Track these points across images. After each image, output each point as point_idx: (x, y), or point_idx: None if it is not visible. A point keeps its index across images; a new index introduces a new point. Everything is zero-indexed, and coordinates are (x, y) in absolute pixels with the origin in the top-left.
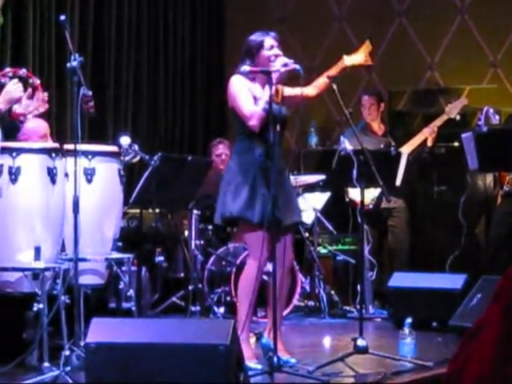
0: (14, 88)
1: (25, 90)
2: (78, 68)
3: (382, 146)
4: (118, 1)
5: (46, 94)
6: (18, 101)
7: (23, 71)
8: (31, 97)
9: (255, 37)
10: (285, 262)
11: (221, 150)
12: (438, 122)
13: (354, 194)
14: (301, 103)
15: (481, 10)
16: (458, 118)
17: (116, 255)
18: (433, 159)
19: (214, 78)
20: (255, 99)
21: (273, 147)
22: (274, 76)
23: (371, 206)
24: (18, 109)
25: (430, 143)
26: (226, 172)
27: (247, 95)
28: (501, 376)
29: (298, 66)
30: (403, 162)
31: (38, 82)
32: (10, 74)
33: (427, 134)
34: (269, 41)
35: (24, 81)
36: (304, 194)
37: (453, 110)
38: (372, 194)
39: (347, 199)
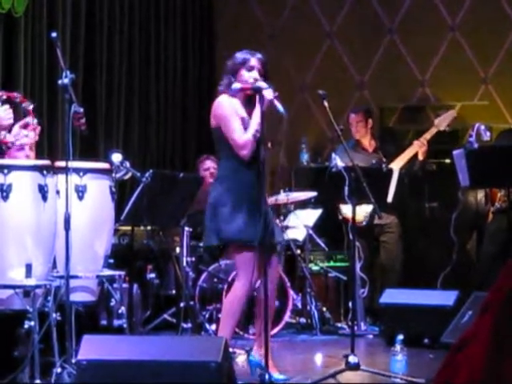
0: (4, 114)
1: (16, 113)
2: (69, 85)
3: (373, 162)
4: (110, 17)
5: (39, 128)
6: (7, 127)
7: (17, 96)
8: (25, 127)
9: (241, 54)
10: (272, 280)
11: (208, 165)
12: (427, 135)
13: (347, 210)
14: None
15: (472, 26)
16: (447, 129)
17: (107, 272)
18: (424, 176)
19: (206, 94)
20: (243, 121)
21: (262, 165)
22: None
23: (364, 223)
24: (6, 136)
25: (421, 157)
26: (211, 195)
27: (238, 121)
28: None
29: (282, 110)
30: (395, 178)
31: (31, 107)
32: (4, 98)
33: (417, 148)
34: (252, 61)
35: (16, 105)
36: (296, 210)
37: (442, 123)
38: (365, 210)
39: (340, 216)
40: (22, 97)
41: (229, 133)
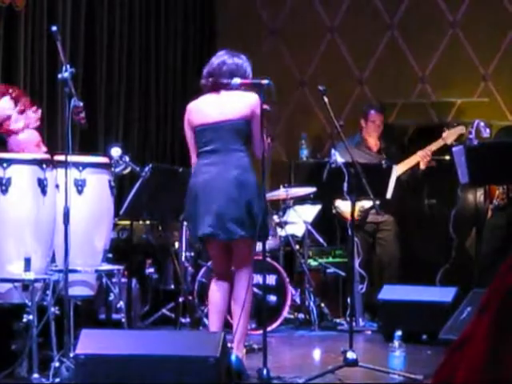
0: (4, 105)
1: (15, 105)
2: (69, 79)
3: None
4: (110, 12)
5: (39, 112)
6: (8, 118)
7: (16, 92)
8: (22, 112)
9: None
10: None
11: None
12: (433, 147)
13: (341, 205)
14: None
15: (472, 23)
16: (454, 144)
17: (106, 267)
18: (423, 173)
19: None
20: None
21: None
22: None
23: (358, 218)
24: (8, 124)
25: (422, 166)
26: (258, 189)
27: None
28: None
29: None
30: (394, 175)
31: (28, 101)
32: (3, 90)
33: (419, 158)
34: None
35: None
36: (295, 206)
37: (450, 137)
38: (360, 206)
39: (334, 211)
40: (19, 92)
41: (259, 134)
